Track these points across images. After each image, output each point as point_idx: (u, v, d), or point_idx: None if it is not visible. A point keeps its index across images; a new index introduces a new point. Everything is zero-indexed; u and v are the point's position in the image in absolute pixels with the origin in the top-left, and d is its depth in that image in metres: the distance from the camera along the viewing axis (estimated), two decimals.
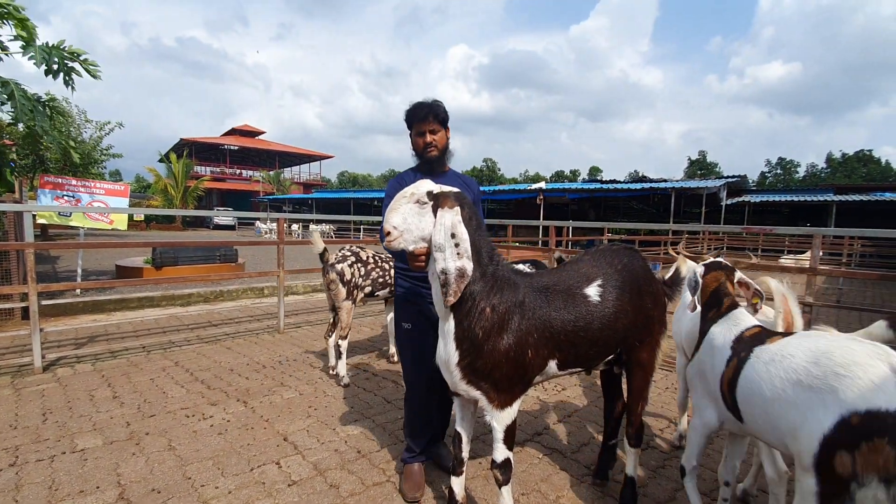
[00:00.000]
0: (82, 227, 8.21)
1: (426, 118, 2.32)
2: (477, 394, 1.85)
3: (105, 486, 2.37)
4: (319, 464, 2.63)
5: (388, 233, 1.72)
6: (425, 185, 1.77)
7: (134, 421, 3.12)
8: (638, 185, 19.04)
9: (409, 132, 2.42)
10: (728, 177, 20.52)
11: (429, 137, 2.35)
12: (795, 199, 20.05)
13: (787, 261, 11.92)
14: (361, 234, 20.75)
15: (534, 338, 1.84)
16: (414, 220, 1.72)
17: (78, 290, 7.02)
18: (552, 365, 1.93)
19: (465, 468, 2.11)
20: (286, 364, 4.40)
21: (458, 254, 1.71)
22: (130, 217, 21.75)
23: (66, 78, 6.13)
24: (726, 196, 19.49)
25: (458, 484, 2.10)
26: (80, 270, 7.57)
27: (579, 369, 2.09)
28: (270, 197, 37.83)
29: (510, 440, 1.91)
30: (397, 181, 2.38)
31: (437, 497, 2.36)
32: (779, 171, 68.28)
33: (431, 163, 2.39)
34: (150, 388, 3.71)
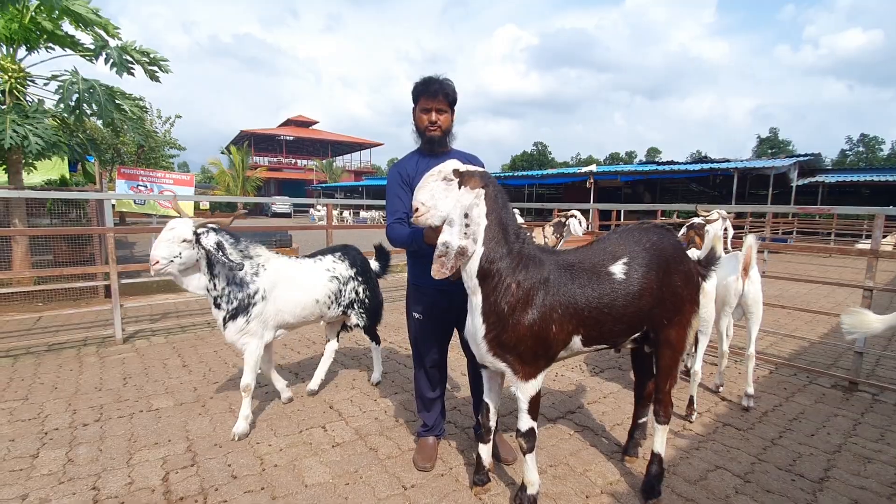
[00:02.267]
0: (155, 214, 8.98)
1: (436, 95, 2.28)
2: (502, 365, 1.95)
3: (176, 439, 2.69)
4: (361, 429, 2.84)
5: (416, 209, 1.83)
6: (452, 164, 1.86)
7: (200, 386, 3.48)
8: (696, 166, 18.07)
9: (413, 107, 2.39)
10: (799, 155, 18.99)
11: (434, 116, 2.30)
12: (878, 178, 18.29)
13: (864, 245, 10.99)
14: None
15: (558, 313, 1.90)
16: (441, 196, 1.82)
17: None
18: (576, 341, 1.99)
19: (492, 436, 2.23)
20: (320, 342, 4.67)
21: (465, 234, 1.79)
22: (197, 206, 23.31)
23: (151, 72, 6.68)
24: (798, 176, 18.08)
25: (485, 451, 2.21)
26: None
27: (605, 346, 2.13)
28: (323, 185, 39.18)
29: (534, 410, 2.00)
30: (397, 168, 2.41)
31: (449, 469, 2.49)
32: (861, 150, 62.08)
33: (432, 142, 2.35)
34: (214, 359, 4.09)
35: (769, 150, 56.42)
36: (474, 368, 2.52)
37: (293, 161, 48.63)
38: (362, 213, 30.00)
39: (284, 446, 2.62)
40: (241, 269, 2.67)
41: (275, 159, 47.59)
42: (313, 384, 3.37)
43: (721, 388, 3.53)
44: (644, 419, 2.54)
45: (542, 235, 6.49)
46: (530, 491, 2.06)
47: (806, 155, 19.36)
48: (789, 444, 2.78)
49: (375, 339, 3.63)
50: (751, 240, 3.13)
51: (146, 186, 8.62)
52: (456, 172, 1.83)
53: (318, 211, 28.19)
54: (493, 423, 2.21)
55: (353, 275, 3.33)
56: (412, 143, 2.48)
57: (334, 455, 2.54)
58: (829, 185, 19.88)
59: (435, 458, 2.46)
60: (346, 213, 29.49)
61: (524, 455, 2.05)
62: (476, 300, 1.90)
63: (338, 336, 3.58)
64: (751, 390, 3.23)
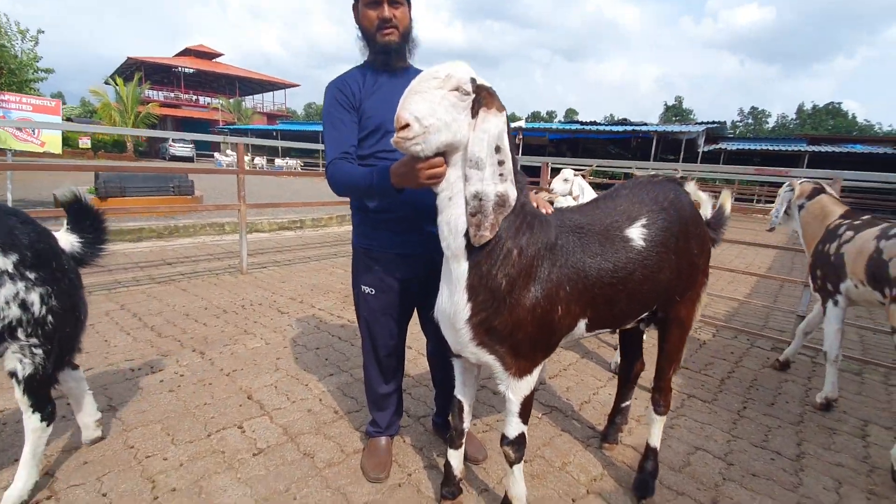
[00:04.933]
0: (10, 151, 7.20)
1: None
2: (489, 358, 1.47)
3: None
4: (290, 427, 2.26)
5: (406, 125, 1.23)
6: (465, 69, 1.28)
7: None
8: (619, 128, 18.59)
9: (354, 2, 1.76)
10: (708, 123, 20.23)
11: (387, 11, 1.65)
12: (771, 147, 20.11)
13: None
14: None
15: (565, 291, 1.45)
16: (446, 114, 1.24)
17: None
18: (581, 325, 1.56)
19: (464, 440, 1.79)
20: (250, 309, 3.94)
21: (500, 174, 1.28)
22: (67, 140, 19.80)
23: None
24: (704, 143, 19.31)
25: (456, 457, 1.77)
26: (10, 199, 6.69)
27: (609, 330, 1.73)
28: (231, 127, 35.45)
29: (526, 413, 1.57)
30: (337, 85, 1.73)
31: (408, 476, 2.05)
32: (750, 121, 68.88)
33: (388, 52, 1.72)
34: (88, 336, 3.20)
35: (674, 118, 60.55)
36: (439, 353, 2.04)
37: (194, 98, 43.17)
38: (278, 161, 27.61)
39: (186, 459, 1.99)
40: None
41: (172, 94, 41.91)
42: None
43: None
44: (628, 402, 2.25)
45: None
46: None
47: (713, 122, 20.68)
48: (755, 415, 2.67)
49: (72, 367, 1.95)
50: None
51: None
52: (474, 83, 1.28)
53: (228, 156, 25.45)
54: (466, 425, 1.76)
55: (10, 269, 1.54)
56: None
57: (256, 467, 1.96)
58: (729, 152, 21.56)
59: (389, 465, 1.98)
60: (257, 160, 26.92)
61: (511, 466, 1.63)
62: (458, 269, 1.39)
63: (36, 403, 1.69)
64: None
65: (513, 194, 1.32)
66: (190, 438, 2.12)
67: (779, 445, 2.38)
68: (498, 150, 1.29)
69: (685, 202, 1.74)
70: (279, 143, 6.17)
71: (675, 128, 18.39)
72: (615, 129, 18.54)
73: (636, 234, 1.58)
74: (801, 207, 3.13)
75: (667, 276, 1.63)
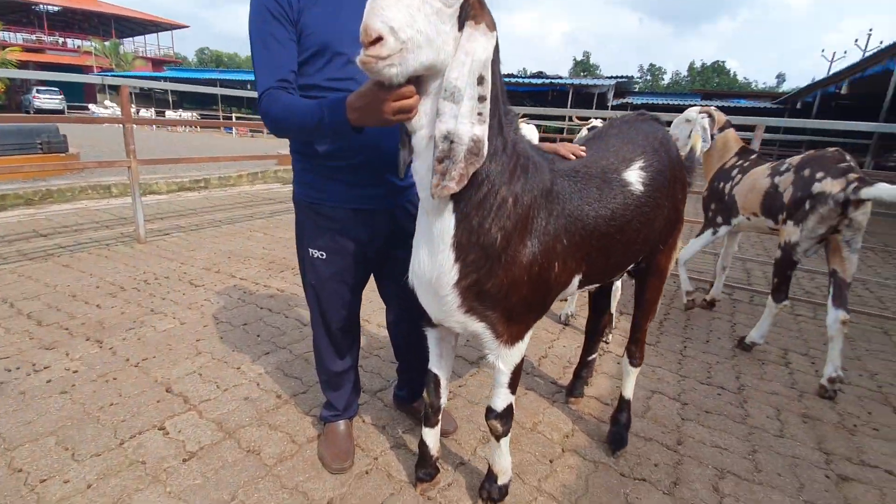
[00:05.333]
0: None
1: None
2: (478, 326, 1.27)
3: None
4: (226, 420, 1.94)
5: (377, 39, 0.92)
6: None
7: None
8: (539, 80, 18.72)
9: None
10: (618, 77, 21.04)
11: None
12: (671, 101, 21.46)
13: None
14: (234, 121, 17.64)
15: (563, 244, 1.27)
16: (428, 25, 0.95)
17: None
18: (575, 281, 1.41)
19: (440, 417, 1.60)
20: (155, 284, 3.38)
21: (479, 113, 1.01)
22: None
23: None
24: (613, 97, 20.15)
25: (432, 436, 1.60)
26: None
27: (597, 284, 1.60)
28: (109, 73, 30.59)
29: (516, 383, 1.41)
30: None
31: (374, 461, 1.86)
32: (648, 77, 73.47)
33: None
34: None
35: (582, 73, 62.65)
36: (403, 321, 1.81)
37: (60, 41, 36.49)
38: (169, 113, 24.49)
39: (96, 478, 1.60)
40: None
41: (33, 37, 35.03)
42: None
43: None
44: (594, 356, 2.20)
45: None
46: (502, 481, 1.54)
47: (622, 77, 21.56)
48: (695, 354, 2.80)
49: None
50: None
51: None
52: None
53: (107, 108, 22.04)
54: (443, 401, 1.57)
55: None
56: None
57: (190, 475, 1.64)
58: (635, 106, 22.75)
59: (352, 451, 1.75)
60: (143, 112, 23.66)
61: (498, 440, 1.49)
62: (442, 225, 1.15)
63: None
64: None
65: (486, 140, 1.05)
66: (97, 450, 1.72)
67: (721, 381, 2.51)
68: (481, 81, 1.03)
69: (671, 142, 1.62)
70: (177, 86, 5.26)
71: (589, 81, 18.95)
72: (534, 81, 18.67)
73: (634, 177, 1.43)
74: (712, 137, 3.27)
75: (660, 224, 1.52)
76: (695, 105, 3.45)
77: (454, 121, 1.01)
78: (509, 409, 1.43)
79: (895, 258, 5.46)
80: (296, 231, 1.64)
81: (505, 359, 1.34)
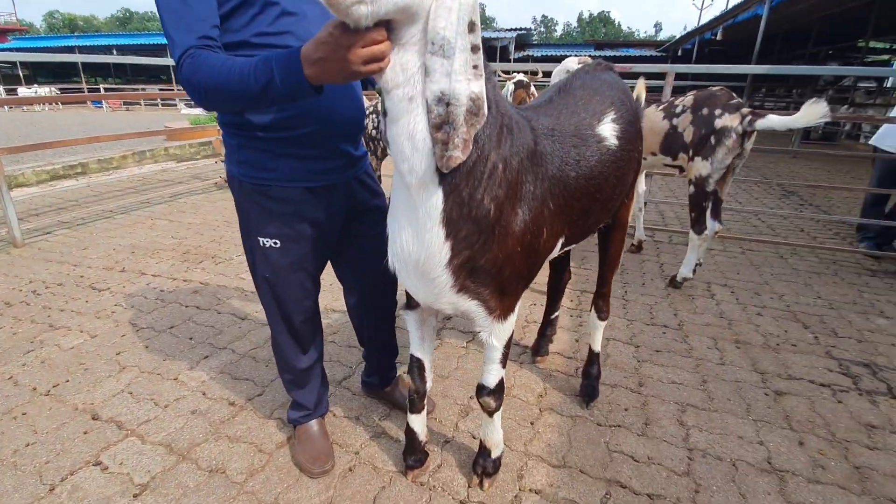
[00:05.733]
0: None
1: None
2: (471, 305, 1.19)
3: None
4: (175, 441, 1.71)
5: None
6: None
7: None
8: None
9: None
10: (518, 29, 21.19)
11: None
12: (567, 53, 22.14)
13: None
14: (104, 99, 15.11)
15: (549, 208, 1.21)
16: None
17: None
18: (558, 246, 1.36)
19: (426, 402, 1.53)
20: (48, 294, 2.87)
21: (474, 66, 0.89)
22: None
23: None
24: (514, 49, 20.34)
25: (419, 422, 1.53)
26: None
27: (572, 246, 1.58)
28: None
29: (507, 356, 1.37)
30: None
31: (356, 455, 1.77)
32: (542, 29, 75.17)
33: None
34: None
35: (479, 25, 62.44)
36: (366, 305, 1.69)
37: None
38: (22, 90, 20.61)
39: None
40: None
41: None
42: None
43: None
44: (556, 313, 2.24)
45: None
46: (495, 454, 1.52)
47: (522, 29, 21.77)
48: (636, 297, 2.97)
49: None
50: None
51: None
52: None
53: None
54: (428, 385, 1.50)
55: None
56: None
57: None
58: (535, 58, 23.19)
59: (331, 451, 1.62)
60: None
61: (490, 416, 1.45)
62: (429, 200, 1.03)
63: None
64: None
65: (484, 96, 0.95)
66: (21, 501, 1.43)
67: (663, 319, 2.69)
68: (472, 28, 0.91)
69: (630, 92, 1.60)
70: (21, 58, 4.36)
71: (491, 34, 18.86)
72: None
73: (608, 131, 1.38)
74: None
75: (631, 177, 1.51)
76: (590, 54, 3.53)
77: (448, 79, 0.88)
78: (501, 384, 1.40)
79: (774, 189, 6.20)
80: (239, 219, 1.42)
81: (498, 334, 1.28)
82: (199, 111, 14.90)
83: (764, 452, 1.70)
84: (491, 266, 1.12)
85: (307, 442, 1.62)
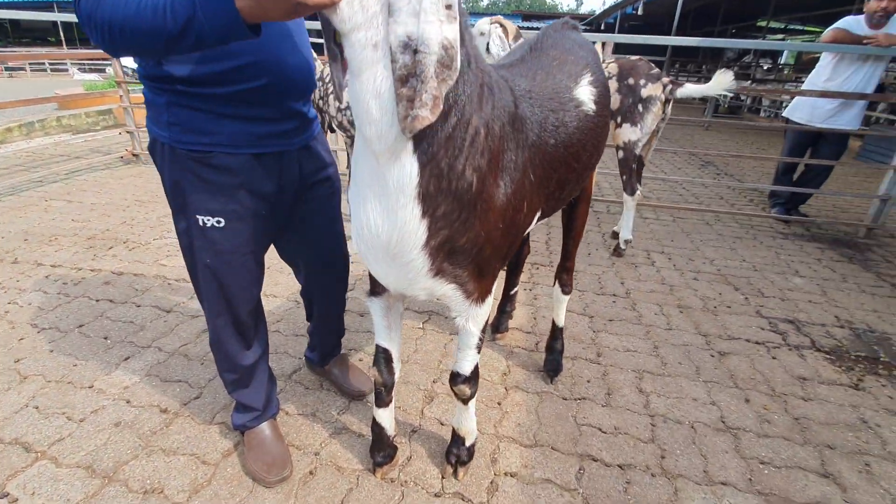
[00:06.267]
0: None
1: None
2: (447, 289, 1.08)
3: None
4: (97, 461, 1.46)
5: None
6: None
7: None
8: None
9: None
10: None
11: None
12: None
13: None
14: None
15: (530, 180, 1.11)
16: None
17: None
18: (534, 221, 1.28)
19: (393, 395, 1.42)
20: None
21: (447, 6, 0.74)
22: None
23: None
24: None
25: (387, 417, 1.42)
26: None
27: (546, 218, 1.50)
28: None
29: (482, 342, 1.28)
30: None
31: (316, 456, 1.63)
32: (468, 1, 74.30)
33: None
34: None
35: None
36: (320, 288, 1.53)
37: None
38: None
39: None
40: None
41: None
42: None
43: None
44: (516, 289, 2.19)
45: None
46: (469, 441, 1.45)
47: None
48: (584, 268, 3.01)
49: None
50: None
51: None
52: None
53: None
54: (396, 376, 1.38)
55: None
56: None
57: None
58: None
59: (288, 455, 1.46)
60: None
61: (465, 403, 1.37)
62: (400, 172, 0.89)
63: None
64: None
65: (458, 43, 0.78)
66: None
67: (612, 289, 2.75)
68: None
69: (598, 53, 1.53)
70: None
71: None
72: None
73: (586, 94, 1.30)
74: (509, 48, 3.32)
75: (604, 143, 1.45)
76: (520, 25, 3.42)
77: (414, 19, 0.73)
78: (476, 371, 1.31)
79: (694, 159, 6.60)
80: (168, 195, 1.18)
81: (476, 319, 1.18)
82: (94, 76, 13.13)
83: (717, 412, 1.78)
84: (471, 245, 1.01)
85: (259, 448, 1.45)
